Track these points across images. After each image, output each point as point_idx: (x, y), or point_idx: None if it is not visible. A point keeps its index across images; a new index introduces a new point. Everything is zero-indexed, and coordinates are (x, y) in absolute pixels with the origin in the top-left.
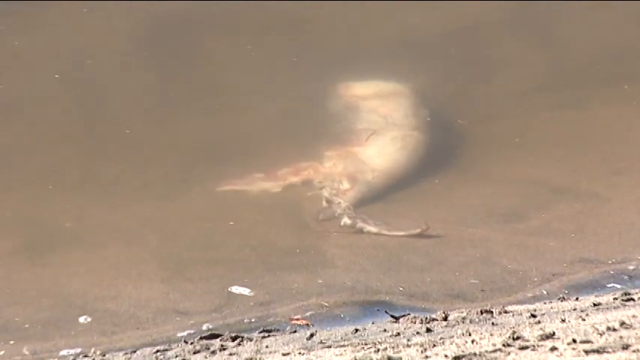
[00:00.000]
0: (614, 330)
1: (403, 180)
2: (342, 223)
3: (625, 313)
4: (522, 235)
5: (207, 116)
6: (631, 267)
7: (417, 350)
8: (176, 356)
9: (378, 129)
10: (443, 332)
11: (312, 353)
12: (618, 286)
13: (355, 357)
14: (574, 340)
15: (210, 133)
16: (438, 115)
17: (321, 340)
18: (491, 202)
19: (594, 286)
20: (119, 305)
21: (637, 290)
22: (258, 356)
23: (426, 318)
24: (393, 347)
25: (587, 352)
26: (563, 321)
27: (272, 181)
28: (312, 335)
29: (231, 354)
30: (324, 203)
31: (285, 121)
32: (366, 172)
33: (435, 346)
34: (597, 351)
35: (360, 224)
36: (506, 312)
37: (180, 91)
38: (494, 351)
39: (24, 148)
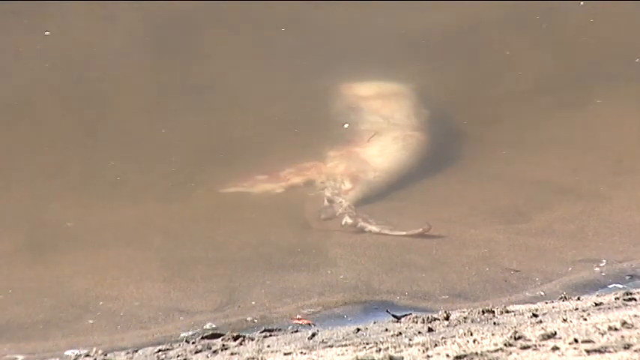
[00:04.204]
0: (616, 330)
1: (404, 179)
2: (343, 223)
3: (626, 313)
4: (524, 236)
5: (209, 116)
6: (632, 266)
7: (419, 350)
8: (178, 356)
9: (380, 129)
10: (444, 332)
11: (313, 353)
12: (620, 286)
13: (357, 356)
14: (576, 340)
15: (213, 134)
16: (440, 115)
17: (323, 340)
18: (493, 202)
19: (596, 285)
20: (121, 305)
21: (638, 290)
22: (260, 356)
23: (428, 317)
24: (394, 347)
25: (588, 351)
26: (565, 321)
27: (274, 182)
28: (313, 335)
29: (232, 353)
30: (326, 202)
31: (287, 121)
32: (368, 172)
33: (436, 345)
34: (599, 351)
35: (361, 224)
36: (507, 312)
37: (182, 91)
38: (496, 351)
39: (25, 147)
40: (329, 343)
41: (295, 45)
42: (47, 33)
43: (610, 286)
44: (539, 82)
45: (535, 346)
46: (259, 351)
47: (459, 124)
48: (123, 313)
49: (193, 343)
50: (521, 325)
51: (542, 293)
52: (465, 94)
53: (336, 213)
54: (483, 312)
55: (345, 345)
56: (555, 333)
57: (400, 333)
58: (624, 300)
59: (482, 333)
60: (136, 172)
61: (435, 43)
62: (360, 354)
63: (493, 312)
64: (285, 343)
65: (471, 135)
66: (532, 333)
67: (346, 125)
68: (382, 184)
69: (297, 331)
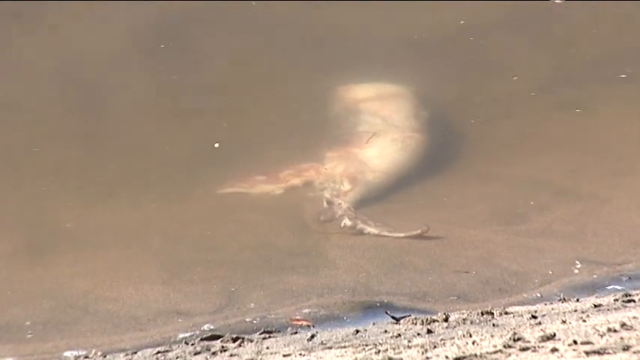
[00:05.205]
0: (615, 331)
1: (403, 181)
2: (342, 224)
3: (625, 315)
4: (523, 237)
5: (208, 117)
6: (631, 268)
7: (418, 351)
8: (177, 357)
9: (379, 131)
10: (444, 333)
11: (312, 354)
12: (619, 287)
13: (356, 358)
14: (575, 342)
15: (212, 135)
16: (439, 116)
17: (322, 341)
18: (492, 204)
19: (595, 287)
20: (120, 306)
21: (637, 291)
22: (259, 357)
23: (427, 319)
24: (393, 348)
25: (587, 353)
26: (564, 322)
27: (273, 183)
28: (312, 336)
29: (231, 355)
30: (325, 204)
31: (286, 123)
32: (367, 173)
33: (435, 347)
34: (598, 352)
35: (360, 225)
36: (506, 313)
37: (181, 93)
38: (495, 352)
39: (25, 148)
40: (328, 345)
41: (295, 46)
42: None
43: (609, 288)
44: (539, 82)
45: (534, 347)
46: (258, 352)
47: (457, 125)
48: (122, 315)
49: (192, 344)
50: (520, 326)
51: (541, 295)
52: (464, 95)
53: (335, 215)
54: (482, 313)
55: (345, 346)
56: (554, 334)
57: (399, 334)
58: (623, 301)
59: (482, 334)
60: (135, 174)
61: (435, 44)
62: (360, 355)
63: (492, 313)
64: (285, 345)
65: (470, 136)
66: (531, 334)
67: (216, 145)
68: (381, 185)
69: (296, 333)
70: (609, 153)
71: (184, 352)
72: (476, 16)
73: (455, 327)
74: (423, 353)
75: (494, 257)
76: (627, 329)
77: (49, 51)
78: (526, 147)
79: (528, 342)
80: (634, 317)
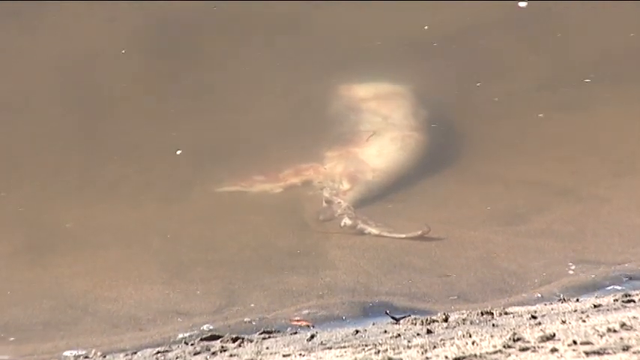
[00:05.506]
0: (615, 331)
1: (403, 180)
2: (342, 224)
3: (625, 315)
4: (523, 237)
5: (208, 117)
6: (631, 268)
7: (418, 351)
8: (177, 357)
9: (378, 129)
10: (443, 333)
11: (312, 354)
12: (618, 288)
13: (356, 358)
14: (574, 342)
15: (211, 135)
16: (439, 115)
17: (322, 342)
18: (492, 204)
19: (594, 287)
20: (120, 306)
21: (637, 292)
22: (259, 357)
23: (427, 319)
24: (393, 348)
25: (587, 353)
26: (564, 322)
27: (272, 182)
28: (312, 336)
29: (231, 355)
30: (324, 204)
31: (285, 122)
32: (366, 173)
33: (435, 347)
34: (598, 352)
35: (361, 225)
36: (506, 313)
37: (181, 93)
38: (495, 352)
39: (25, 148)
40: (328, 345)
41: (295, 46)
42: None
43: (609, 288)
44: (539, 82)
45: (534, 347)
46: (258, 353)
47: (457, 125)
48: (122, 315)
49: (192, 344)
50: (520, 326)
51: (541, 295)
52: (464, 95)
53: (335, 214)
54: (482, 314)
55: (344, 347)
56: (554, 335)
57: (399, 335)
58: (623, 302)
59: (481, 335)
60: (135, 174)
61: (435, 44)
62: (359, 356)
63: (492, 314)
64: (284, 345)
65: (470, 136)
66: (531, 335)
67: (178, 152)
68: (381, 184)
69: (296, 333)
70: (609, 153)
71: (184, 352)
72: (476, 17)
73: (454, 327)
74: (422, 353)
75: (494, 257)
76: (627, 329)
77: (49, 51)
78: (526, 147)
79: (528, 342)
80: (634, 317)
